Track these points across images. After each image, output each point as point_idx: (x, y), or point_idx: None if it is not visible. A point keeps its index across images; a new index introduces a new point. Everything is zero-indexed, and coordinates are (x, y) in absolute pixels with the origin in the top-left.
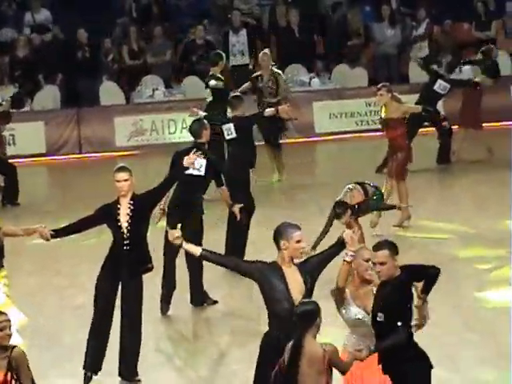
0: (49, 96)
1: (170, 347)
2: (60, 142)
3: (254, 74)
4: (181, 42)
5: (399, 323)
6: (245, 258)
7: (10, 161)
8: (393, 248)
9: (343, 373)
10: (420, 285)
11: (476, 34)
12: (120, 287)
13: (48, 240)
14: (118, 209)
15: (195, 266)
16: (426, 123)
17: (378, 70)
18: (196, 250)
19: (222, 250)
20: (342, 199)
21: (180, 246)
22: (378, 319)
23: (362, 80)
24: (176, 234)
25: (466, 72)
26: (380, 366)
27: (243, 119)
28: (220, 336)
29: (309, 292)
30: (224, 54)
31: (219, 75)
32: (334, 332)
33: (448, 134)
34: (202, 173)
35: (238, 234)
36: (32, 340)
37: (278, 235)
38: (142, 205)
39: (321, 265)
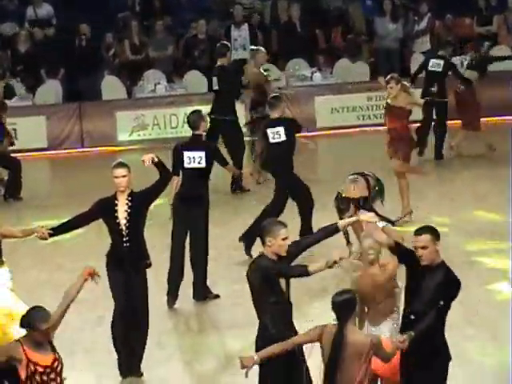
0: (51, 91)
1: (173, 341)
2: (62, 136)
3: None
4: (182, 36)
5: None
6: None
7: (12, 155)
8: (435, 233)
9: (387, 361)
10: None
11: (477, 29)
12: (124, 282)
13: (46, 239)
14: (116, 205)
15: (200, 260)
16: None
17: (379, 65)
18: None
19: (223, 244)
20: (344, 192)
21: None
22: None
23: (364, 75)
24: None
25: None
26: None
27: (293, 122)
28: (223, 330)
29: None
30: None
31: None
32: None
33: (442, 129)
34: (203, 165)
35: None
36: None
37: (264, 232)
38: (140, 202)
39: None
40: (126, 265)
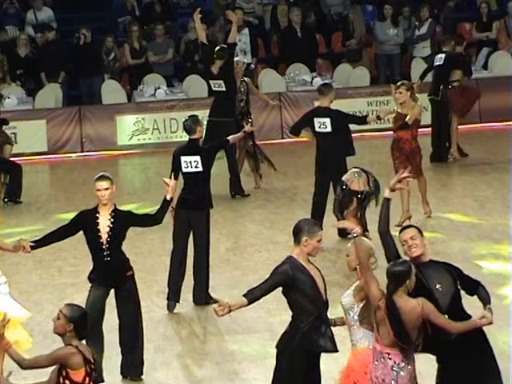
0: (51, 94)
1: (173, 346)
2: (62, 140)
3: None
4: (182, 40)
5: None
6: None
7: (12, 159)
8: (418, 229)
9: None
10: None
11: (476, 34)
12: (114, 293)
13: (29, 252)
14: (97, 218)
15: (202, 263)
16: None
17: (380, 70)
18: (242, 302)
19: (223, 248)
20: (347, 184)
21: (229, 311)
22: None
23: (364, 80)
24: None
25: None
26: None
27: (339, 113)
28: (223, 334)
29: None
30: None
31: None
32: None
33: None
34: (200, 168)
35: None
36: (31, 338)
37: (301, 231)
38: (123, 221)
39: None
40: (109, 277)
